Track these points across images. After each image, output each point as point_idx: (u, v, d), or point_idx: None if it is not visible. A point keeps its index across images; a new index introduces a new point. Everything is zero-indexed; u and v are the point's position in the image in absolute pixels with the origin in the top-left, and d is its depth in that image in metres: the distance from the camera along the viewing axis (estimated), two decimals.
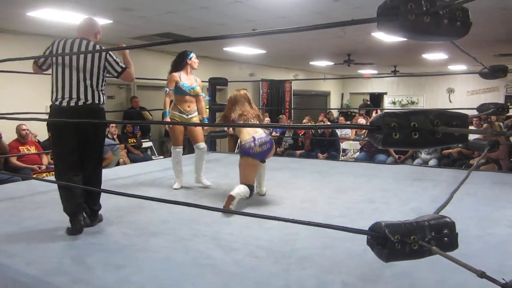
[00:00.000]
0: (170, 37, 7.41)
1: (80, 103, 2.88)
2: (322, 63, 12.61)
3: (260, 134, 3.72)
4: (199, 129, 4.50)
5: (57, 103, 2.89)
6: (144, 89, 9.40)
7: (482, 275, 1.29)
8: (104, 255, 2.54)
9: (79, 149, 2.95)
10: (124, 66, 3.08)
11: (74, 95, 2.88)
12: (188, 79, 4.37)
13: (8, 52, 6.01)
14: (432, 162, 6.79)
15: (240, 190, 3.52)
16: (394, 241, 1.54)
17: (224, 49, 9.27)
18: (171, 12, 5.71)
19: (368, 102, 16.56)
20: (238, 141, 4.17)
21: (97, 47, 2.97)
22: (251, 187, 3.63)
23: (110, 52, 3.03)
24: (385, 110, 1.94)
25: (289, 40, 8.53)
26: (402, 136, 1.46)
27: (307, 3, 5.34)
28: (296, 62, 12.62)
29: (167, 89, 4.27)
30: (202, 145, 4.48)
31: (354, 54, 10.39)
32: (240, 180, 3.75)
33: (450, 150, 6.69)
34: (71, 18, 5.84)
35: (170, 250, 2.61)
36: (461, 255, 2.54)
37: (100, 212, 3.17)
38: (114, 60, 3.04)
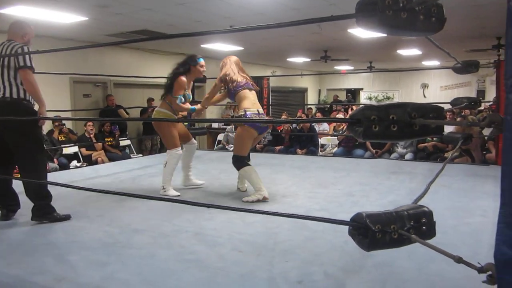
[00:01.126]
0: (147, 34, 7.34)
1: None
2: (299, 59, 12.70)
3: (261, 110, 3.76)
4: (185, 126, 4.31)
5: None
6: (120, 87, 9.29)
7: (459, 260, 1.36)
8: (87, 253, 2.53)
9: None
10: (27, 65, 3.01)
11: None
12: (188, 86, 4.10)
13: None
14: (408, 156, 6.93)
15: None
16: (375, 231, 1.59)
17: (202, 46, 9.23)
18: (148, 9, 5.67)
19: (350, 96, 16.82)
20: (236, 110, 4.05)
21: (15, 47, 3.04)
22: (245, 158, 3.73)
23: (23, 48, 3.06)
24: (365, 104, 1.99)
25: (266, 37, 8.57)
26: (382, 129, 1.51)
27: None
28: (273, 58, 12.67)
29: (181, 98, 3.93)
30: (194, 140, 4.40)
31: (330, 50, 10.50)
32: (235, 150, 3.77)
33: (425, 144, 6.85)
34: (46, 16, 5.74)
35: (154, 246, 2.61)
36: (438, 244, 2.62)
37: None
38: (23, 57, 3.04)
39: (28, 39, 3.22)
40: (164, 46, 9.50)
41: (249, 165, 3.74)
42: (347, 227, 1.56)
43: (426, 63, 14.16)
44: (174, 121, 4.15)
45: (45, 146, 3.37)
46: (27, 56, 3.00)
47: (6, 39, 3.16)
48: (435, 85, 15.99)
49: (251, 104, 3.71)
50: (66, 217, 3.19)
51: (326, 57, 10.79)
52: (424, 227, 1.68)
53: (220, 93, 4.13)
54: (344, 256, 2.38)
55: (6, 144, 3.07)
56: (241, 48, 9.72)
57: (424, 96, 16.16)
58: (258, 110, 3.71)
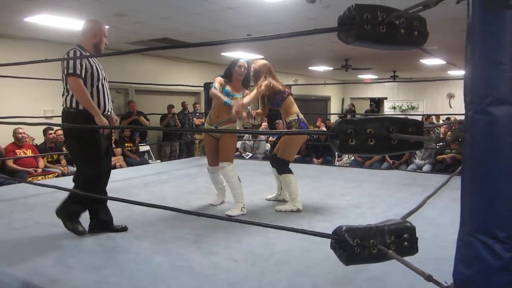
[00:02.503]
0: (167, 42, 7.49)
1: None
2: (321, 68, 12.67)
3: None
4: (225, 144, 3.69)
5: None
6: (142, 93, 9.48)
7: (428, 278, 1.34)
8: (85, 256, 2.60)
9: None
10: (69, 71, 2.82)
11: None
12: (234, 88, 3.74)
13: (5, 57, 6.11)
14: (426, 167, 6.81)
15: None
16: (353, 245, 1.58)
17: (222, 54, 9.34)
18: (165, 18, 5.79)
19: (373, 106, 16.67)
20: (284, 117, 3.84)
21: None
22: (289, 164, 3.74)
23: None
24: (357, 116, 1.98)
25: (286, 45, 8.60)
26: (359, 143, 1.51)
27: (299, 9, 5.40)
28: (295, 67, 12.68)
29: (228, 100, 3.60)
30: (223, 164, 3.65)
31: (351, 59, 10.45)
32: (283, 154, 3.72)
33: (444, 156, 6.71)
34: (67, 24, 5.93)
35: (151, 252, 2.66)
36: (436, 258, 2.59)
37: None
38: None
39: (99, 39, 2.97)
40: (184, 53, 9.66)
41: (292, 172, 3.73)
42: None
43: (452, 72, 13.87)
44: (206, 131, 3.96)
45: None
46: (72, 62, 2.79)
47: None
48: (462, 95, 15.56)
49: (298, 109, 3.78)
50: (82, 232, 2.95)
51: (347, 66, 10.74)
52: (406, 243, 1.66)
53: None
54: (337, 269, 2.35)
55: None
56: (261, 56, 9.77)
57: (450, 106, 15.83)
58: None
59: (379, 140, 1.50)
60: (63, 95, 2.94)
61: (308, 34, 1.75)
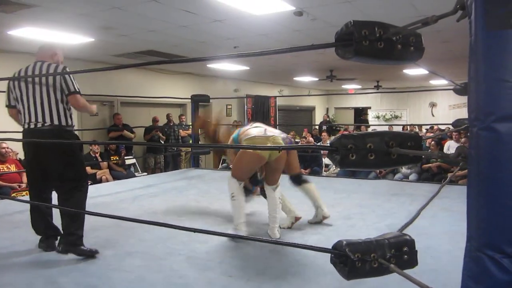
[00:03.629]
0: (153, 55, 7.46)
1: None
2: (306, 78, 12.77)
3: None
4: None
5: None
6: (127, 105, 9.40)
7: None
8: (78, 275, 2.54)
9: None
10: (74, 90, 2.87)
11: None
12: None
13: None
14: (412, 176, 6.88)
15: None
16: (354, 260, 1.58)
17: (208, 65, 9.35)
18: (152, 31, 5.77)
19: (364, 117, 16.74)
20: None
21: (52, 67, 2.88)
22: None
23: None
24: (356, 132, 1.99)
25: (272, 57, 8.64)
26: (359, 158, 1.51)
27: (286, 21, 5.44)
28: (280, 77, 12.76)
29: None
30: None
31: (336, 69, 10.56)
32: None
33: (430, 165, 6.80)
34: (53, 37, 5.87)
35: (144, 269, 2.61)
36: (430, 270, 2.60)
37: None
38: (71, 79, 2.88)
39: (57, 59, 3.03)
40: (170, 65, 9.64)
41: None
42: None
43: (434, 82, 14.13)
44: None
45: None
46: (72, 81, 2.85)
47: (35, 60, 2.97)
48: (444, 103, 15.91)
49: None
50: (93, 252, 2.86)
51: (331, 76, 10.84)
52: (406, 256, 1.66)
53: None
54: (333, 283, 2.35)
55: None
56: (247, 68, 9.82)
57: (433, 115, 16.10)
58: None
59: (379, 155, 1.51)
60: (49, 113, 2.82)
61: (305, 49, 1.76)
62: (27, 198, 5.34)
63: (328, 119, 16.00)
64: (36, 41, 6.02)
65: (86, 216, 3.21)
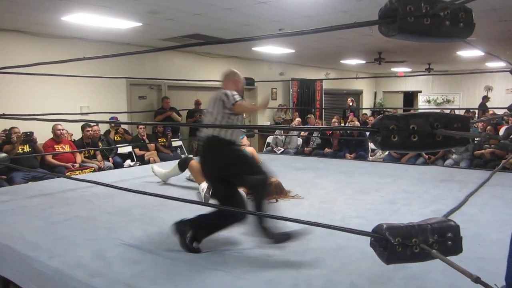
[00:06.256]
0: (199, 38, 7.52)
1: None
2: (353, 61, 12.47)
3: None
4: None
5: None
6: (174, 89, 9.58)
7: (476, 280, 1.28)
8: (123, 250, 2.64)
9: None
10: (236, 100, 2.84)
11: None
12: None
13: (43, 55, 6.29)
14: (464, 163, 6.59)
15: None
16: (394, 244, 1.54)
17: (253, 49, 9.32)
18: (198, 14, 5.81)
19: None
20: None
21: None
22: None
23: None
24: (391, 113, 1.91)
25: (317, 39, 8.49)
26: (401, 139, 1.46)
27: (332, 2, 5.32)
28: (326, 60, 12.52)
29: None
30: None
31: (385, 52, 10.22)
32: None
33: (482, 151, 6.47)
34: (102, 22, 6.05)
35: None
36: (478, 258, 2.50)
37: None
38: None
39: (238, 87, 3.15)
40: (216, 49, 9.69)
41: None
42: None
43: (491, 64, 13.36)
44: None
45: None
46: (234, 96, 2.84)
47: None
48: (501, 87, 15.03)
49: None
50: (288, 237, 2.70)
51: (380, 59, 10.51)
52: (449, 242, 1.60)
53: None
54: (374, 267, 2.30)
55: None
56: (293, 51, 9.70)
57: (488, 100, 15.26)
58: None
59: (423, 137, 1.45)
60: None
61: (347, 27, 1.71)
62: (79, 176, 5.61)
63: (351, 104, 14.92)
64: (87, 26, 6.25)
65: (133, 194, 3.30)
